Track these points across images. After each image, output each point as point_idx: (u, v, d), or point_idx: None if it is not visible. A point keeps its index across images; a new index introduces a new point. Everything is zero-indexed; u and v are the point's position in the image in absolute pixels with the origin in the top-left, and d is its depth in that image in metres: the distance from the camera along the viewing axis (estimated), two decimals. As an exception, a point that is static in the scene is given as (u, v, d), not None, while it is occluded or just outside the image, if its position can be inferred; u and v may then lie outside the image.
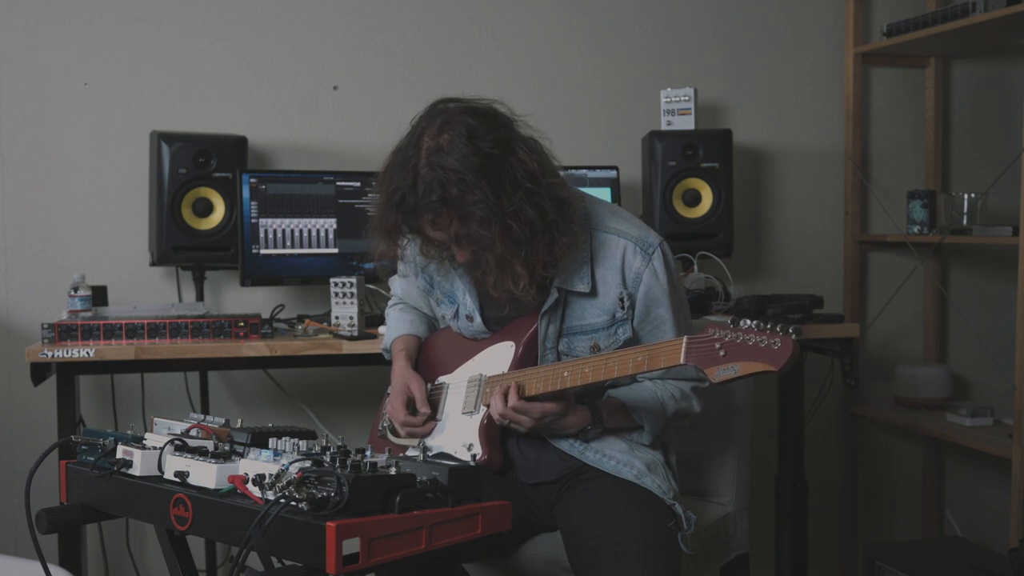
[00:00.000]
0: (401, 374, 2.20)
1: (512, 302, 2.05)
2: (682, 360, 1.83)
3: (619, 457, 2.09)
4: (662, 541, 1.98)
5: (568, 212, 2.00)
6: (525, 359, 2.10)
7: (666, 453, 2.19)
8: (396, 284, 2.43)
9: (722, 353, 1.78)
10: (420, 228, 1.98)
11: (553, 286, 2.08)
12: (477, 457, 2.07)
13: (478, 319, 2.16)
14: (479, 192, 1.89)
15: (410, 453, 2.06)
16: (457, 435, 2.11)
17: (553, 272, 2.04)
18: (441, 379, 2.22)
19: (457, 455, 2.08)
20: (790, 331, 1.73)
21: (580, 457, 2.10)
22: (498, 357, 2.13)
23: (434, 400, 2.18)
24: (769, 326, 1.75)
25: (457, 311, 2.20)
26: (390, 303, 2.46)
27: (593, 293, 2.09)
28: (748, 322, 1.78)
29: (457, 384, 2.17)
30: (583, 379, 1.97)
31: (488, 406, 2.06)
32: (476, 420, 2.10)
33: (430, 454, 2.05)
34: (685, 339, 1.84)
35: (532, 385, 2.02)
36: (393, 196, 1.95)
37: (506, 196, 1.92)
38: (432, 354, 2.28)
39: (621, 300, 2.08)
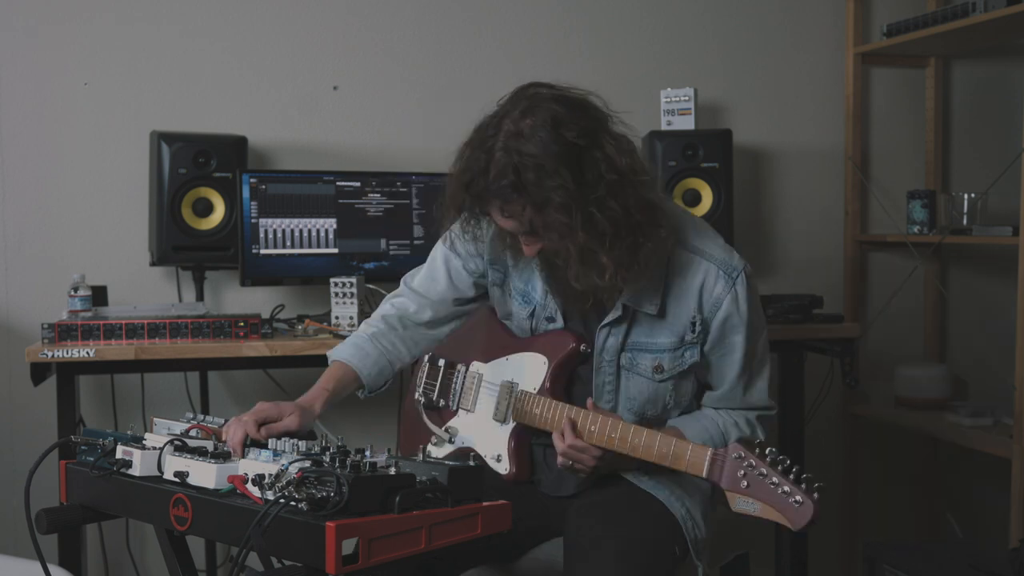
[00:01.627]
0: (290, 404, 1.93)
1: (596, 294, 1.92)
2: (704, 474, 1.81)
3: (660, 481, 2.02)
4: (656, 548, 1.93)
5: (655, 216, 1.88)
6: (556, 378, 2.03)
7: (713, 491, 2.06)
8: (408, 283, 2.23)
9: (744, 484, 1.75)
10: (488, 213, 1.90)
11: (618, 303, 1.97)
12: (505, 471, 2.04)
13: (560, 321, 2.06)
14: (558, 179, 1.78)
15: (433, 443, 2.07)
16: (488, 442, 2.07)
17: (637, 275, 1.90)
18: (476, 366, 2.14)
19: (487, 460, 2.06)
20: (814, 491, 1.70)
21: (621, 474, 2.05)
22: (531, 368, 2.05)
23: (468, 388, 2.13)
24: (794, 473, 1.72)
25: (534, 311, 2.09)
26: (384, 313, 2.20)
27: (661, 315, 1.98)
28: (774, 452, 1.74)
29: (491, 383, 2.10)
30: (609, 444, 1.91)
31: (516, 419, 2.03)
32: (506, 431, 2.06)
33: (462, 444, 2.06)
34: (710, 452, 1.80)
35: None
36: (463, 175, 1.86)
37: (588, 186, 1.80)
38: (470, 334, 2.19)
39: (693, 324, 1.98)
